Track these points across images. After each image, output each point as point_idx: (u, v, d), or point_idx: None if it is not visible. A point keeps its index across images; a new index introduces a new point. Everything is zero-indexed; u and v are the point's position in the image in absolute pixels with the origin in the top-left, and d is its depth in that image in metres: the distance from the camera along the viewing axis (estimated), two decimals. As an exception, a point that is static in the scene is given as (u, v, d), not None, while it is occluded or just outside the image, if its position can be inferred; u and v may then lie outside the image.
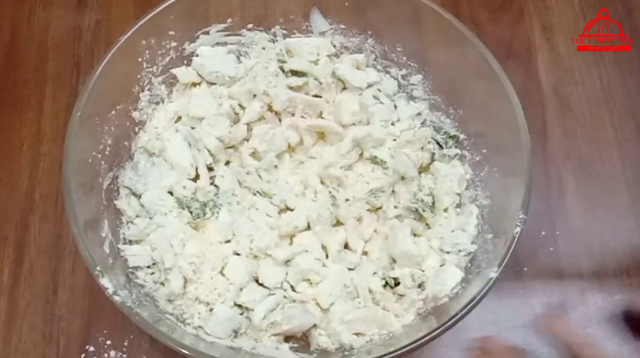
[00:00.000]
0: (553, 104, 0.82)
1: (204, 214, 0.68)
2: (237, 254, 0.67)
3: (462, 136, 0.72)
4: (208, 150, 0.71)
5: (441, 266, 0.66)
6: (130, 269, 0.65)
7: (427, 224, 0.69)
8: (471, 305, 0.56)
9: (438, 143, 0.73)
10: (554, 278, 0.74)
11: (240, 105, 0.74)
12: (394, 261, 0.67)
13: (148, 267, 0.66)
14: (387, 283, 0.66)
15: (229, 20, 0.74)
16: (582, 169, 0.79)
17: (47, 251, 0.73)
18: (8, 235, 0.74)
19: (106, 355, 0.69)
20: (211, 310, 0.63)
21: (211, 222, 0.68)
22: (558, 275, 0.74)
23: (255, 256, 0.67)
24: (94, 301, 0.70)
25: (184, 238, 0.66)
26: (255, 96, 0.73)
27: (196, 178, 0.70)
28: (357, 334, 0.62)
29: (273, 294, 0.65)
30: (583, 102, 0.82)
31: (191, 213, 0.68)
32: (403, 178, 0.70)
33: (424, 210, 0.68)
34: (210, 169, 0.72)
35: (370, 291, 0.65)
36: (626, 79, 0.83)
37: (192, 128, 0.72)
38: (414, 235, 0.68)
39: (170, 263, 0.64)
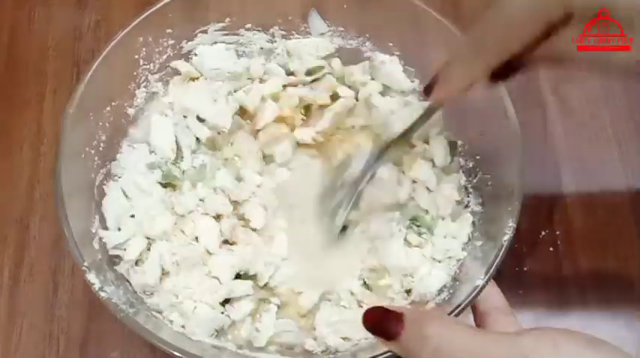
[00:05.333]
0: (553, 104, 0.82)
1: (178, 178, 0.67)
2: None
3: (459, 143, 0.71)
4: (197, 138, 0.70)
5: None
6: (114, 259, 0.63)
7: (420, 233, 0.68)
8: (456, 312, 0.54)
9: None
10: (554, 278, 0.74)
11: (240, 107, 0.74)
12: (386, 270, 0.66)
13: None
14: (364, 282, 0.65)
15: (228, 19, 0.74)
16: (582, 169, 0.79)
17: (47, 251, 0.74)
18: (8, 235, 0.74)
19: (106, 355, 0.69)
20: (195, 308, 0.62)
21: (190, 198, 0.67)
22: (558, 275, 0.74)
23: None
24: (94, 301, 0.70)
25: (161, 217, 0.65)
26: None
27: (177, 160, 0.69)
28: (343, 338, 0.62)
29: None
30: (583, 102, 0.82)
31: (165, 176, 0.67)
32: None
33: (419, 221, 0.68)
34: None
35: (352, 293, 0.65)
36: (626, 79, 0.83)
37: (185, 117, 0.71)
38: (409, 244, 0.67)
39: (143, 245, 0.63)
